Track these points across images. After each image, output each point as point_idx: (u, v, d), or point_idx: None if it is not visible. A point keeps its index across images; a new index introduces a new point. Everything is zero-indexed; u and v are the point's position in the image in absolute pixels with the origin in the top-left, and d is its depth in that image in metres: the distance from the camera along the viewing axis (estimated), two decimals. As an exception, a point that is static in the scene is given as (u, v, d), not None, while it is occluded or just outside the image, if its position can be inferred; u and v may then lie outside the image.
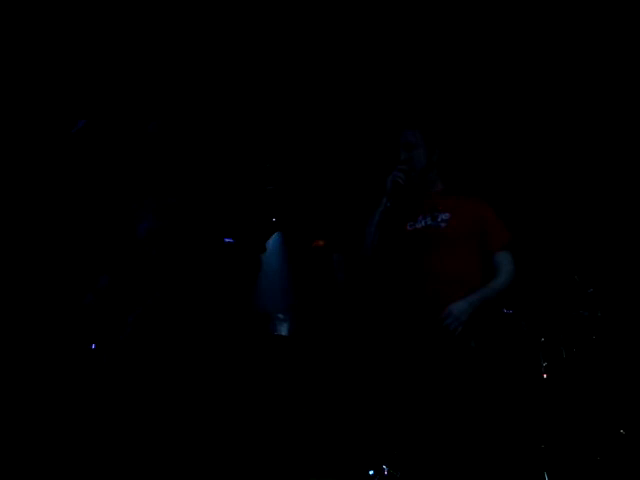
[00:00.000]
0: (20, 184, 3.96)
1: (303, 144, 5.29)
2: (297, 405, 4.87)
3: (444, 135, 3.38)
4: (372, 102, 4.97)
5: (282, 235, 5.19)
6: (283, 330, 4.92)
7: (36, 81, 4.06)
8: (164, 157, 4.43)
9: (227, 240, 4.05)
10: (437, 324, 2.90)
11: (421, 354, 2.98)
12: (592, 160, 4.83)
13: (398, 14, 4.29)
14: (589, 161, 4.84)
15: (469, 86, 4.82)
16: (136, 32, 4.18)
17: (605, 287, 4.48)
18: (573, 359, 4.35)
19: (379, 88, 4.86)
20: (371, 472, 4.73)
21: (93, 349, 3.57)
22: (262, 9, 4.16)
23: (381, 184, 3.13)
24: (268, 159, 5.19)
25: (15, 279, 3.92)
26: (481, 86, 4.82)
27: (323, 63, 4.63)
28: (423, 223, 3.17)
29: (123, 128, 4.34)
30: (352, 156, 5.28)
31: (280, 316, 4.90)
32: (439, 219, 3.14)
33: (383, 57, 4.60)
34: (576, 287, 4.50)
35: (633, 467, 3.96)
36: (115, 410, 3.54)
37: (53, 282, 3.98)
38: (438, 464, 2.79)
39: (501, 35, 4.40)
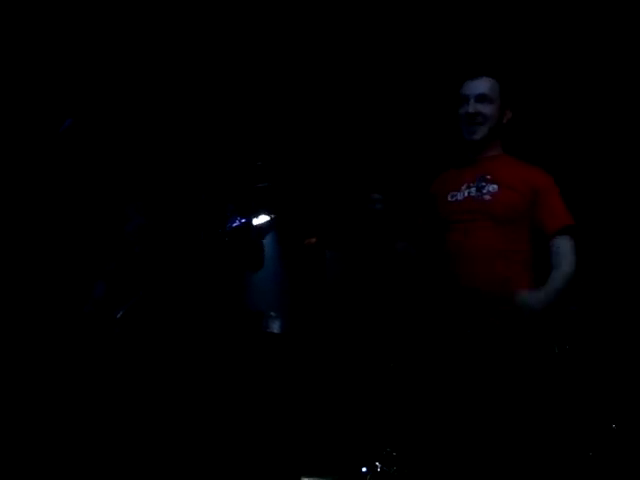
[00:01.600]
0: (7, 186, 3.94)
1: (294, 141, 5.29)
2: (289, 403, 4.87)
3: (521, 92, 2.92)
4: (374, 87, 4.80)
5: (274, 232, 5.18)
6: (275, 328, 4.91)
7: (23, 80, 4.04)
8: (154, 156, 4.43)
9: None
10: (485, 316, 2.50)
11: (442, 350, 2.63)
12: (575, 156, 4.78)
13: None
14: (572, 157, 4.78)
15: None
16: (123, 29, 4.15)
17: (597, 283, 4.48)
18: (565, 355, 4.35)
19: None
20: (364, 469, 4.72)
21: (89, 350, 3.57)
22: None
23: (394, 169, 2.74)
24: (259, 157, 5.18)
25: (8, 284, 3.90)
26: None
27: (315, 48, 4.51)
28: (466, 194, 2.71)
29: (111, 127, 4.33)
30: (345, 153, 5.27)
31: (272, 314, 4.89)
32: (484, 190, 2.67)
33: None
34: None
35: (626, 462, 3.97)
36: (109, 408, 3.55)
37: (47, 288, 3.95)
38: (442, 461, 2.55)
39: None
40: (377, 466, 4.66)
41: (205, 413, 4.17)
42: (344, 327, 5.65)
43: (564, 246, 2.61)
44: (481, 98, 2.71)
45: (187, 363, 4.03)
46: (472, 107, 2.70)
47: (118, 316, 3.40)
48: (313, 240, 5.49)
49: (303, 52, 4.51)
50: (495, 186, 2.66)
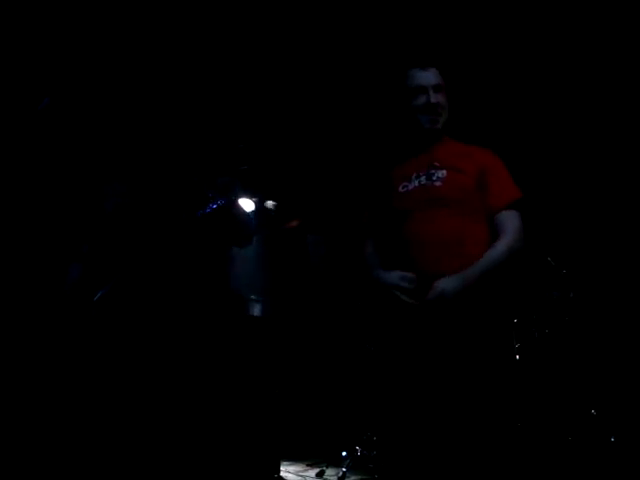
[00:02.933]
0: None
1: (275, 123, 5.24)
2: (270, 387, 4.84)
3: (457, 74, 3.00)
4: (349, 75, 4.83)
5: (255, 215, 5.13)
6: (256, 311, 4.87)
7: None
8: (135, 135, 4.35)
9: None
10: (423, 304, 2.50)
11: (407, 338, 2.59)
12: (564, 141, 4.82)
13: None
14: (561, 141, 4.82)
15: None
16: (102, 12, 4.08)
17: (578, 268, 4.50)
18: (545, 340, 4.37)
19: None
20: (344, 453, 4.72)
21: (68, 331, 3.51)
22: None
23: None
24: (241, 139, 5.12)
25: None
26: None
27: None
28: (416, 183, 2.74)
29: (92, 106, 4.24)
30: (326, 135, 5.24)
31: (253, 297, 4.85)
32: (434, 177, 2.71)
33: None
34: (549, 269, 4.50)
35: (603, 446, 4.00)
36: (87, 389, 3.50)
37: (21, 269, 3.87)
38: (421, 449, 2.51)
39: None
40: (357, 450, 4.66)
41: (185, 396, 4.14)
42: (325, 310, 5.64)
43: (506, 220, 2.64)
44: (438, 88, 2.77)
45: (167, 345, 3.99)
46: (433, 97, 2.75)
47: (96, 298, 3.34)
48: (294, 223, 5.45)
49: (278, 41, 4.50)
50: (444, 171, 2.71)
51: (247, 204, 4.98)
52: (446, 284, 2.49)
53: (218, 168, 4.73)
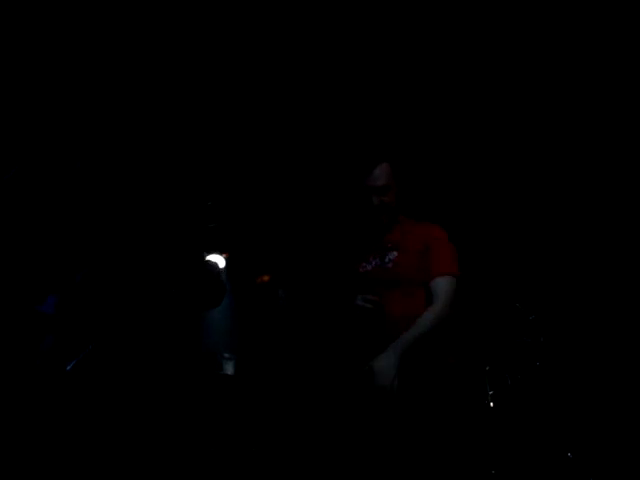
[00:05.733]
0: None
1: (244, 181, 5.28)
2: (243, 444, 4.80)
3: (408, 164, 3.18)
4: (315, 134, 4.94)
5: (226, 272, 5.14)
6: (229, 369, 4.85)
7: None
8: (103, 200, 4.36)
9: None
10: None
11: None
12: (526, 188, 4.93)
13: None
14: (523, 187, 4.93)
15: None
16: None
17: (546, 313, 4.56)
18: (518, 386, 4.40)
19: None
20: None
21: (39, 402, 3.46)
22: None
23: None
24: (209, 197, 5.16)
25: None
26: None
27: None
28: (373, 264, 2.96)
29: (57, 176, 4.24)
30: (294, 192, 5.29)
31: (226, 355, 4.83)
32: (386, 259, 2.92)
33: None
34: (518, 314, 4.56)
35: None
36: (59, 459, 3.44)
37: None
38: None
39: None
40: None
41: (159, 459, 4.09)
42: (298, 365, 5.61)
43: (437, 287, 2.83)
44: (383, 190, 2.92)
45: (140, 411, 3.95)
46: (376, 200, 2.92)
47: (68, 368, 3.33)
48: (266, 278, 5.46)
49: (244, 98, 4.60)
50: (395, 253, 2.91)
51: (218, 262, 5.00)
52: (377, 362, 2.66)
53: (188, 228, 4.75)
